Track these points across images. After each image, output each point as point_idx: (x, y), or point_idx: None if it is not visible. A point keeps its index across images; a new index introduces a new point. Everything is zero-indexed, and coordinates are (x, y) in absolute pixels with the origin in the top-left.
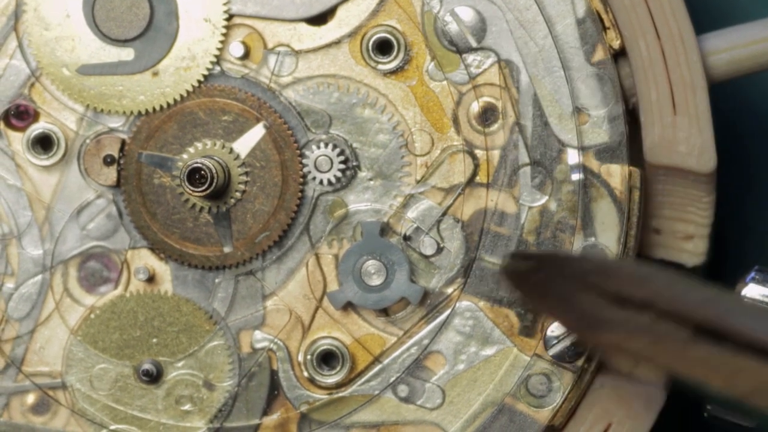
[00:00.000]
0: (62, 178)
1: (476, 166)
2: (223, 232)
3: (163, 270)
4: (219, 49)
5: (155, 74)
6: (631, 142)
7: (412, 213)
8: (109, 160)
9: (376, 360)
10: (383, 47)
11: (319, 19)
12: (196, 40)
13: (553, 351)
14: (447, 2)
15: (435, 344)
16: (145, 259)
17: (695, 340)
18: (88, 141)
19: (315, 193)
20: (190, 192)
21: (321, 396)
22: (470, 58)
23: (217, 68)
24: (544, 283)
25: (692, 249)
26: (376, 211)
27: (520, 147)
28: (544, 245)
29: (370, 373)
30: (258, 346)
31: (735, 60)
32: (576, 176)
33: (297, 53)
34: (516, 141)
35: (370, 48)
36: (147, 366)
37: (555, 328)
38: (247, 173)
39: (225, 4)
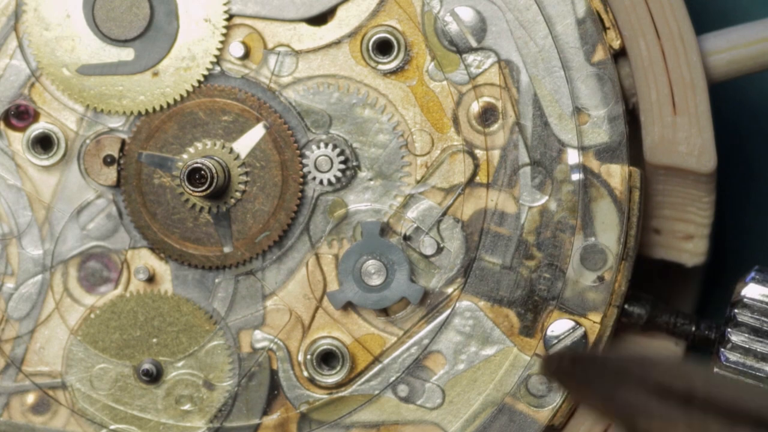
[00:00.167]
0: (62, 178)
1: (476, 166)
2: (223, 232)
3: (163, 270)
4: (219, 49)
5: (155, 74)
6: (631, 142)
7: (412, 213)
8: (109, 160)
9: (376, 360)
10: (383, 47)
11: (319, 19)
12: (196, 40)
13: (553, 351)
14: (447, 2)
15: (435, 344)
16: (145, 259)
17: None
18: (88, 141)
19: (315, 193)
20: (190, 192)
21: (321, 396)
22: (470, 58)
23: (217, 68)
24: (587, 380)
25: (692, 249)
26: (376, 211)
27: (520, 147)
28: (544, 245)
29: (370, 373)
30: (258, 345)
31: (735, 60)
32: (576, 176)
33: (297, 53)
34: (516, 141)
35: (370, 48)
36: (147, 366)
37: (555, 328)
38: (247, 173)
39: (225, 4)
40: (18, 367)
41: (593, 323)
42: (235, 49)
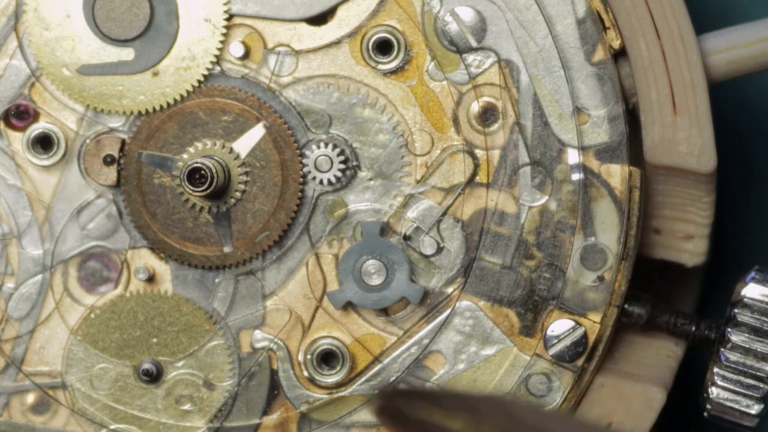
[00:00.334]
0: (62, 177)
1: (476, 166)
2: (223, 232)
3: (163, 270)
4: (219, 49)
5: (155, 74)
6: (631, 142)
7: (412, 213)
8: (109, 160)
9: (376, 359)
10: (383, 47)
11: (319, 19)
12: (196, 40)
13: (553, 351)
14: (447, 2)
15: (435, 344)
16: (145, 258)
17: None
18: (88, 141)
19: (315, 193)
20: (190, 192)
21: (321, 395)
22: (470, 58)
23: (217, 68)
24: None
25: (692, 249)
26: (376, 210)
27: (520, 147)
28: (544, 245)
29: (370, 373)
30: (258, 345)
31: (735, 60)
32: (576, 176)
33: (297, 53)
34: (516, 141)
35: (370, 48)
36: (147, 366)
37: (555, 328)
38: (247, 173)
39: (225, 4)
40: (18, 367)
41: (593, 323)
42: (235, 49)
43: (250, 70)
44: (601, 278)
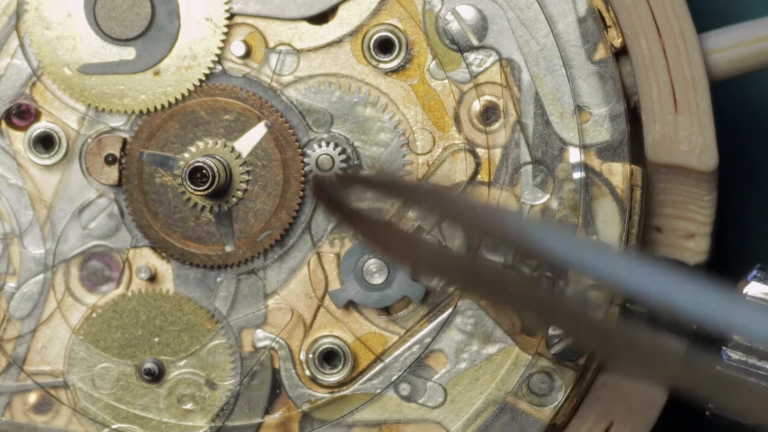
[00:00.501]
0: (64, 177)
1: (478, 165)
2: (225, 231)
3: (165, 269)
4: (220, 48)
5: (156, 73)
6: (632, 141)
7: (413, 212)
8: (110, 160)
9: (378, 359)
10: (384, 46)
11: (321, 18)
12: (197, 39)
13: (554, 349)
14: (448, 1)
15: (437, 343)
16: (146, 258)
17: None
18: (89, 140)
19: None
20: (192, 191)
21: (323, 395)
22: (471, 56)
23: (219, 67)
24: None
25: (694, 247)
26: (378, 209)
27: (521, 145)
28: None
29: (372, 372)
30: (260, 344)
31: (736, 58)
32: (577, 175)
33: (298, 52)
34: (517, 139)
35: (371, 47)
36: (149, 365)
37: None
38: (248, 172)
39: (226, 3)
40: (20, 367)
41: None
42: (237, 48)
43: (252, 69)
44: None
